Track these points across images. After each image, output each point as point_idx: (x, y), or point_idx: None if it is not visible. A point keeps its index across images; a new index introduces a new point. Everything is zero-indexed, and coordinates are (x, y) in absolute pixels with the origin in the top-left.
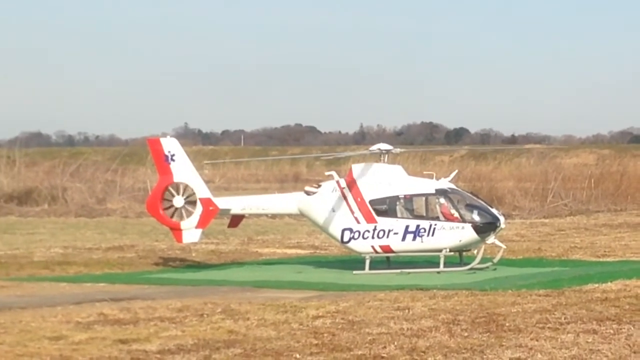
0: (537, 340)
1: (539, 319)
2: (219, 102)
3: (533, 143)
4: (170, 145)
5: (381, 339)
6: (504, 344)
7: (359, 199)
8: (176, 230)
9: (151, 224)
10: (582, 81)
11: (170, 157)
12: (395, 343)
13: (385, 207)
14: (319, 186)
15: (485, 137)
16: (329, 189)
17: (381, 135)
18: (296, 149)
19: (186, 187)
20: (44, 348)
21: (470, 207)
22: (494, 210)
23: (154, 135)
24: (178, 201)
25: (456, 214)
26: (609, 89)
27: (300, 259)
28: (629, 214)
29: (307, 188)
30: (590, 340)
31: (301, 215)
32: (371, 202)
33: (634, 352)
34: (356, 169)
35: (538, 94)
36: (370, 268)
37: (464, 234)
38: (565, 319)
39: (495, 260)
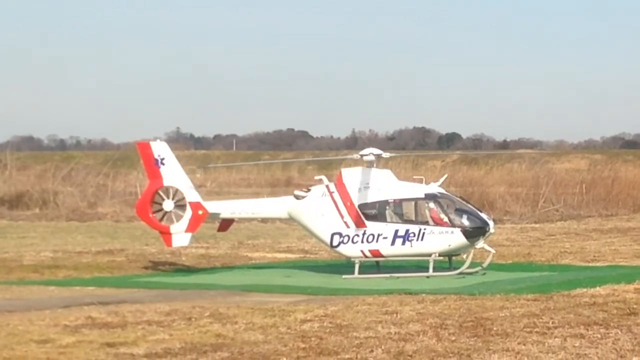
0: (524, 345)
1: (526, 324)
2: (211, 106)
3: (525, 148)
4: (160, 149)
5: (368, 343)
6: (491, 348)
7: (348, 203)
8: (166, 234)
9: (142, 228)
10: (574, 87)
11: (160, 161)
12: (383, 347)
13: (375, 212)
14: (309, 190)
15: (477, 142)
16: (319, 194)
17: (373, 140)
18: (288, 154)
19: (176, 191)
20: (31, 351)
21: (460, 211)
22: (483, 215)
23: (146, 139)
24: (168, 205)
25: (445, 219)
26: (601, 95)
27: (289, 263)
28: (620, 219)
29: (297, 192)
30: (577, 345)
31: (291, 220)
32: (360, 206)
33: (621, 357)
34: (346, 173)
35: (530, 99)
36: (360, 272)
37: (453, 238)
38: (553, 323)
39: (484, 265)
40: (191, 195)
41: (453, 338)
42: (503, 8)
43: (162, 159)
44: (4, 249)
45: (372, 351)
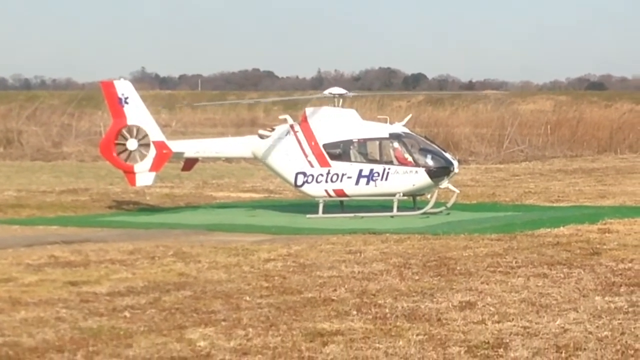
0: (487, 284)
1: (490, 263)
2: (177, 46)
3: (490, 89)
4: (124, 88)
5: (332, 282)
6: (454, 287)
7: (312, 143)
8: (129, 173)
9: (107, 168)
10: (540, 27)
11: (123, 100)
12: (346, 286)
13: (339, 151)
14: (273, 130)
15: (442, 83)
16: (283, 133)
17: (339, 81)
18: (254, 94)
19: (140, 130)
20: None
21: (424, 151)
22: (447, 155)
23: (111, 79)
24: (132, 144)
25: (410, 158)
26: (567, 36)
27: (254, 202)
28: (584, 159)
29: (261, 132)
30: (540, 284)
31: (255, 159)
32: (325, 146)
33: (583, 296)
34: (310, 112)
35: (496, 40)
36: (324, 212)
37: (418, 178)
38: (516, 263)
39: (448, 205)
40: (155, 134)
41: (416, 277)
42: None
43: (126, 98)
44: None
45: (335, 290)
